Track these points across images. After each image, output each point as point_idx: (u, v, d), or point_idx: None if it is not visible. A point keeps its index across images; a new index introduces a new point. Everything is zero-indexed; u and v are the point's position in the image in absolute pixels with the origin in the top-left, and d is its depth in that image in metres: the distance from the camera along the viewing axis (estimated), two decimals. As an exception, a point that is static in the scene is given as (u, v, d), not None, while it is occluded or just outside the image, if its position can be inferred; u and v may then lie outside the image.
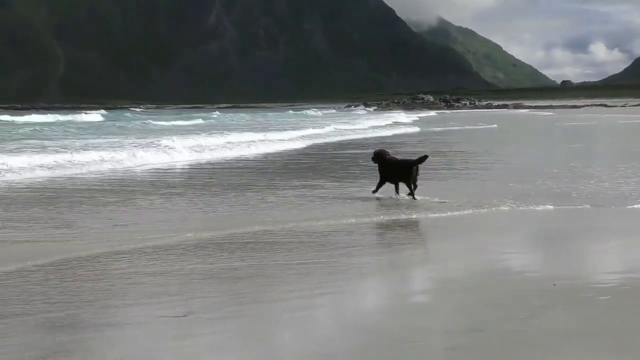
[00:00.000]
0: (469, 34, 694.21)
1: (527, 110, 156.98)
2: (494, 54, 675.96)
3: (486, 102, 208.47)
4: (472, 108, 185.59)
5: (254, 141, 43.66)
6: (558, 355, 7.49)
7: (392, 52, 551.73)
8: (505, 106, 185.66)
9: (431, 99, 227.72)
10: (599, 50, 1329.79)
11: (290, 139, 47.15)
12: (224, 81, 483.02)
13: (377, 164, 19.35)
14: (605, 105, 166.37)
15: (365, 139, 52.58)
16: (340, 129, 63.68)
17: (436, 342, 7.86)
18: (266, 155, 36.71)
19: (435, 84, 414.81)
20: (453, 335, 8.06)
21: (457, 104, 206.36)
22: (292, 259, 12.39)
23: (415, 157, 18.90)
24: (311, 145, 44.54)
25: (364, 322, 8.70)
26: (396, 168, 18.81)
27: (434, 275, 11.18)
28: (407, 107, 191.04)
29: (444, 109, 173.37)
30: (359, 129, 66.53)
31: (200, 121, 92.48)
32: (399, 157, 19.87)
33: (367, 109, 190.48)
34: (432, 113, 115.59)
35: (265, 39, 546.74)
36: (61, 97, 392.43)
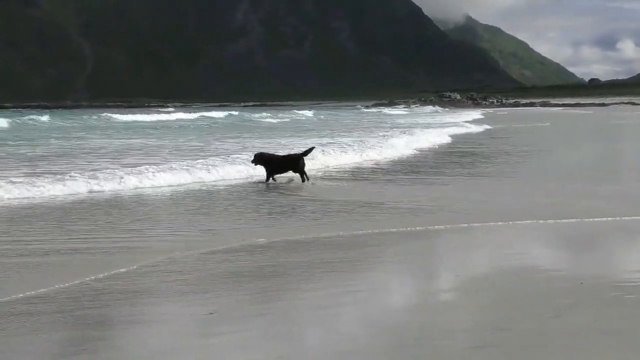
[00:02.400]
0: (495, 31, 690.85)
1: (556, 108, 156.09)
2: (521, 52, 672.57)
3: (513, 100, 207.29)
4: (499, 106, 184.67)
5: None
6: (584, 354, 7.45)
7: (418, 50, 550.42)
8: (532, 104, 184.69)
9: (458, 96, 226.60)
10: (627, 48, 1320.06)
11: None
12: (251, 79, 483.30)
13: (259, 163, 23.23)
14: (633, 103, 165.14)
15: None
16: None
17: (462, 340, 7.83)
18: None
19: (462, 82, 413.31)
20: (478, 334, 8.03)
21: (484, 102, 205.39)
22: (316, 257, 12.41)
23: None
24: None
25: (388, 321, 8.69)
26: (283, 162, 23.22)
27: (460, 273, 11.14)
28: (443, 105, 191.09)
29: (477, 108, 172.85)
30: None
31: (286, 120, 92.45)
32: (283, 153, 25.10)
33: (428, 106, 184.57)
34: (478, 113, 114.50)
35: (291, 37, 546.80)
36: (88, 96, 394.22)
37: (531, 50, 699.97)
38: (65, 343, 8.05)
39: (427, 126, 64.42)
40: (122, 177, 21.43)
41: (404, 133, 48.13)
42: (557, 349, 7.56)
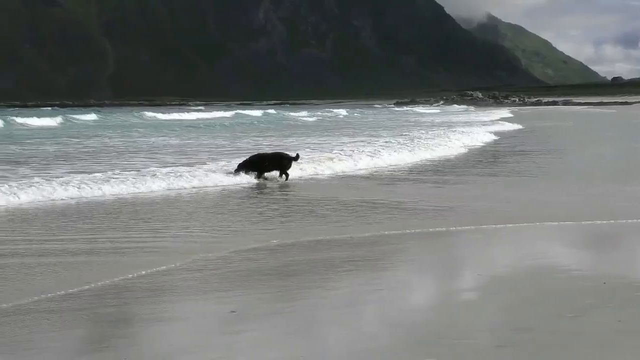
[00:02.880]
0: (518, 30, 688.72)
1: (579, 107, 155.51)
2: (544, 51, 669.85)
3: (535, 99, 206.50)
4: (521, 105, 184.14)
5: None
6: (606, 354, 7.43)
7: (440, 49, 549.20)
8: (554, 103, 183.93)
9: (480, 95, 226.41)
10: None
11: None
12: (272, 78, 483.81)
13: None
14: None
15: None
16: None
17: (484, 340, 7.82)
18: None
19: (484, 81, 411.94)
20: (501, 333, 8.01)
21: (505, 101, 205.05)
22: (341, 256, 12.42)
23: None
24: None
25: (411, 319, 8.68)
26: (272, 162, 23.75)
27: (482, 273, 11.12)
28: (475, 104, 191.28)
29: (500, 106, 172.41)
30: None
31: (323, 118, 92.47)
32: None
33: (451, 106, 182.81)
34: (506, 112, 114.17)
35: (313, 36, 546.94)
36: (110, 94, 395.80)
37: (554, 48, 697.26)
38: (87, 340, 8.10)
39: (466, 124, 64.50)
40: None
41: (452, 131, 48.26)
42: (579, 348, 7.54)
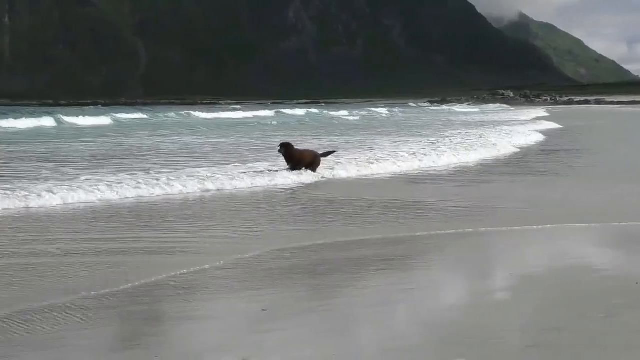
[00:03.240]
0: (550, 29, 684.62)
1: (612, 106, 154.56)
2: (576, 49, 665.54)
3: (567, 98, 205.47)
4: (553, 104, 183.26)
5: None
6: (638, 354, 7.39)
7: (471, 48, 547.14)
8: (587, 102, 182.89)
9: (511, 94, 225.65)
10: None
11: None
12: (302, 77, 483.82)
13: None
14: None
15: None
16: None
17: (515, 339, 7.80)
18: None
19: (515, 80, 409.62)
20: (532, 333, 7.98)
21: (537, 100, 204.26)
22: (372, 254, 12.43)
23: None
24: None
25: (442, 318, 8.67)
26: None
27: (513, 272, 11.09)
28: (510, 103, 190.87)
29: (531, 105, 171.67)
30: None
31: (366, 117, 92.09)
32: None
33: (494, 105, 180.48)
34: (542, 111, 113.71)
35: (343, 35, 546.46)
36: (142, 94, 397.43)
37: (586, 47, 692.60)
38: (119, 338, 8.15)
39: (507, 123, 64.38)
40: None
41: (500, 131, 48.52)
42: (610, 349, 7.50)
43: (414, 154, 29.52)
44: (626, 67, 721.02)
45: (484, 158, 30.60)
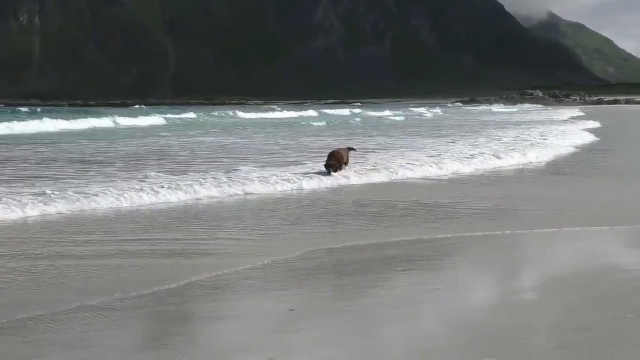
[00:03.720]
0: (579, 28, 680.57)
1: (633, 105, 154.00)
2: (605, 48, 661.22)
3: (597, 98, 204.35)
4: (582, 104, 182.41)
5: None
6: (669, 355, 7.34)
7: (499, 47, 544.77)
8: (616, 101, 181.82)
9: (540, 94, 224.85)
10: None
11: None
12: (330, 76, 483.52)
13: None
14: None
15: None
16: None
17: (543, 340, 7.76)
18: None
19: (544, 79, 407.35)
20: (560, 333, 7.95)
21: (566, 100, 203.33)
22: (399, 255, 12.41)
23: None
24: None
25: (469, 319, 8.64)
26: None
27: (541, 272, 11.04)
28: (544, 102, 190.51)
29: (560, 105, 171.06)
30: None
31: (410, 118, 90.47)
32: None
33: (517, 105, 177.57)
34: (577, 110, 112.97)
35: (371, 35, 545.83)
36: (171, 94, 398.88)
37: (615, 46, 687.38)
38: (146, 338, 8.18)
39: (550, 122, 64.46)
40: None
41: (551, 130, 48.27)
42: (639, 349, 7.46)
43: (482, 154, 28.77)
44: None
45: (559, 154, 30.55)
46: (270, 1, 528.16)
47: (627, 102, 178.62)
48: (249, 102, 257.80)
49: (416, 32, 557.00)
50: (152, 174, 22.14)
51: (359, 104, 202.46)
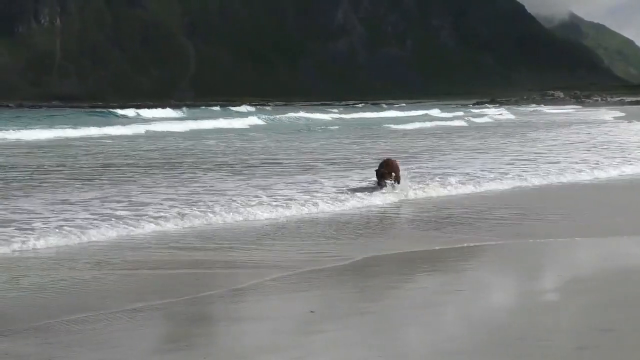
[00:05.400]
0: (600, 28, 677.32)
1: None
2: (626, 49, 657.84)
3: (618, 99, 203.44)
4: (604, 104, 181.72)
5: None
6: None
7: (521, 48, 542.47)
8: (638, 102, 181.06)
9: (561, 95, 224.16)
10: None
11: None
12: (351, 78, 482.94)
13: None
14: None
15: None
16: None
17: (564, 341, 7.74)
18: None
19: (565, 80, 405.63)
20: (581, 334, 7.93)
21: (587, 100, 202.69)
22: (421, 257, 12.41)
23: None
24: None
25: (491, 320, 8.63)
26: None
27: (562, 274, 11.01)
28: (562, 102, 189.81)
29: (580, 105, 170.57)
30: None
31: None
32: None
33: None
34: (617, 111, 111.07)
35: (392, 36, 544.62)
36: (192, 95, 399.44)
37: (636, 47, 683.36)
38: (169, 339, 8.22)
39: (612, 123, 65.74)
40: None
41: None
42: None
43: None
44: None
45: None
46: (290, 2, 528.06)
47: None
48: (269, 103, 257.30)
49: (437, 33, 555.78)
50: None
51: (404, 104, 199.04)
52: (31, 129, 54.96)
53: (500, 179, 22.40)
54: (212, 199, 17.85)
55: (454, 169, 24.80)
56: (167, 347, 7.92)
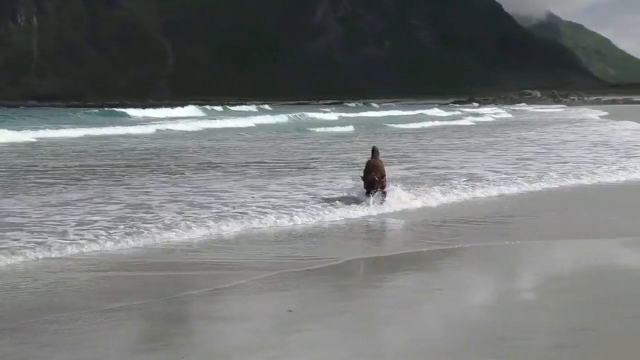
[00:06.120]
0: (578, 28, 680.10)
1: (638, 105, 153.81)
2: (604, 49, 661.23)
3: (595, 98, 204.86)
4: (581, 104, 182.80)
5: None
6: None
7: (499, 48, 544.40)
8: (614, 101, 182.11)
9: (538, 94, 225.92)
10: None
11: None
12: (330, 77, 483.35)
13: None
14: None
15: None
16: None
17: (542, 340, 7.74)
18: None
19: (544, 80, 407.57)
20: (559, 333, 7.93)
21: (565, 100, 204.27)
22: (399, 258, 12.40)
23: None
24: None
25: (469, 320, 8.62)
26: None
27: (540, 273, 11.03)
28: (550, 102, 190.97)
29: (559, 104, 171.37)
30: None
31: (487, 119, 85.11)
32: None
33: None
34: (600, 110, 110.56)
35: (371, 35, 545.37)
36: (170, 94, 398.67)
37: (614, 47, 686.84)
38: (146, 339, 8.18)
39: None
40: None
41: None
42: (638, 349, 7.44)
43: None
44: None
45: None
46: (269, 2, 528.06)
47: (626, 102, 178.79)
48: (247, 102, 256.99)
49: (415, 33, 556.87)
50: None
51: (331, 102, 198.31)
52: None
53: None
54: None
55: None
56: (145, 346, 7.88)
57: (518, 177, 22.64)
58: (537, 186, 21.16)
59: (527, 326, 8.21)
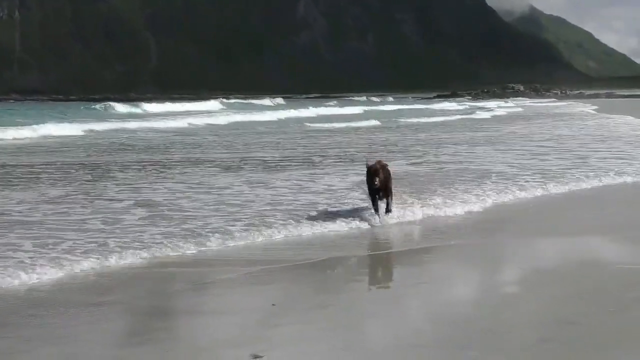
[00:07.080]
0: (560, 22, 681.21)
1: (624, 99, 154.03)
2: (586, 43, 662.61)
3: (577, 92, 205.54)
4: (563, 97, 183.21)
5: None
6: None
7: (482, 42, 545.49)
8: (597, 95, 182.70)
9: (521, 88, 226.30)
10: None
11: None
12: (314, 71, 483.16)
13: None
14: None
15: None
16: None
17: (526, 333, 7.76)
18: None
19: (526, 74, 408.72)
20: (543, 327, 7.95)
21: (547, 93, 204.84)
22: (382, 253, 12.42)
23: None
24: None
25: (453, 314, 8.63)
26: None
27: (524, 267, 11.06)
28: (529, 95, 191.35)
29: (542, 98, 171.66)
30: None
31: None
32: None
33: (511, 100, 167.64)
34: (590, 104, 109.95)
35: (354, 29, 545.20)
36: (154, 89, 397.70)
37: (596, 40, 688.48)
38: (129, 333, 8.16)
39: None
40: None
41: None
42: (624, 342, 7.47)
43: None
44: (637, 60, 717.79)
45: None
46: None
47: (608, 96, 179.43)
48: (230, 96, 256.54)
49: (399, 27, 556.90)
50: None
51: (314, 96, 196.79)
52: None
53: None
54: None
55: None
56: (129, 340, 7.87)
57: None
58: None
59: (512, 320, 8.23)
